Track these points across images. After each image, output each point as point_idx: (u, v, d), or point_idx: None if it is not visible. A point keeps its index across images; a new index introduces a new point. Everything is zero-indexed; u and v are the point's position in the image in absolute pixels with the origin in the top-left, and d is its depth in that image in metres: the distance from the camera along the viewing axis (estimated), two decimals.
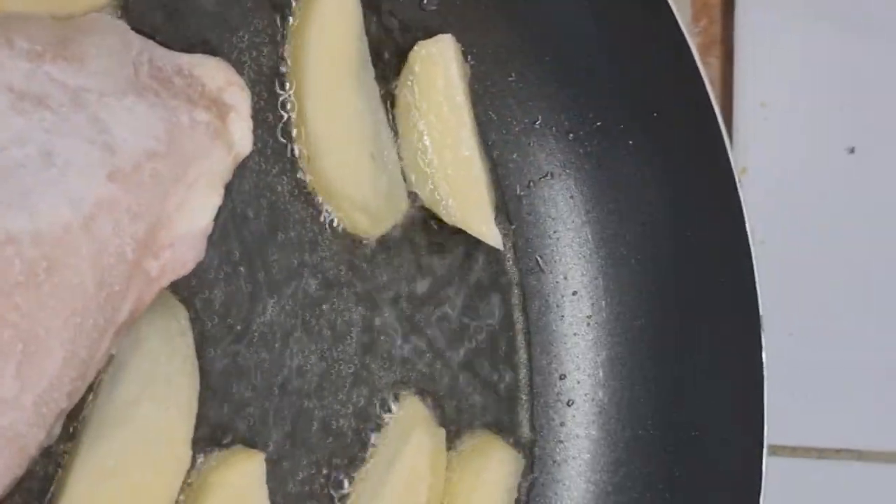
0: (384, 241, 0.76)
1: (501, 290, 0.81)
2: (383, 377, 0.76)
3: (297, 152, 0.73)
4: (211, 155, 0.64)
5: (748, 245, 0.77)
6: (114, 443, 0.64)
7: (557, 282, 0.83)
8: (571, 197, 0.82)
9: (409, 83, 0.77)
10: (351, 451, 0.74)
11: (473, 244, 0.79)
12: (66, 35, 0.61)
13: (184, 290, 0.68)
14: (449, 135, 0.77)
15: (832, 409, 0.97)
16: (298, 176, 0.73)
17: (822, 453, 0.96)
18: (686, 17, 0.99)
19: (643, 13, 0.77)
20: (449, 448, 0.77)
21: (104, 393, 0.65)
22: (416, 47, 0.77)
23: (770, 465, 0.77)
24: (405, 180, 0.77)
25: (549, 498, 0.81)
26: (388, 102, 0.77)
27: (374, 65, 0.75)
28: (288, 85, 0.73)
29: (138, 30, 0.65)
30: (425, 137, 0.77)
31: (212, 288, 0.70)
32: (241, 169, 0.69)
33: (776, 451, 0.94)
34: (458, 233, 0.78)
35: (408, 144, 0.77)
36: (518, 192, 0.82)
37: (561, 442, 0.82)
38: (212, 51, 0.69)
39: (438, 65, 0.76)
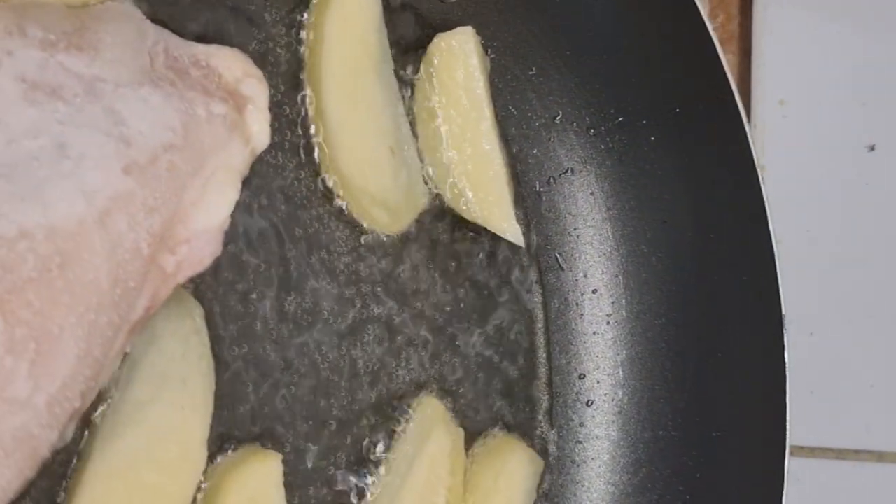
0: (403, 238, 0.75)
1: (520, 288, 0.80)
2: (402, 377, 0.75)
3: (315, 146, 0.72)
4: (228, 147, 0.63)
5: (771, 243, 0.77)
6: (128, 443, 0.63)
7: (577, 280, 0.82)
8: (592, 193, 0.81)
9: (429, 76, 0.76)
10: (369, 451, 0.73)
11: (493, 241, 0.78)
12: (81, 23, 0.59)
13: (200, 286, 0.67)
14: (469, 128, 0.76)
15: (851, 410, 0.96)
16: (316, 170, 0.72)
17: (840, 454, 0.96)
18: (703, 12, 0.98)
19: (666, 8, 0.76)
20: (468, 449, 0.76)
21: (118, 392, 0.64)
22: (435, 40, 0.76)
23: (789, 466, 0.76)
24: (424, 176, 0.76)
25: (568, 499, 0.80)
26: (408, 96, 0.76)
27: (394, 58, 0.74)
28: (306, 78, 0.71)
29: (154, 19, 0.64)
30: (445, 131, 0.76)
31: (228, 285, 0.68)
32: (258, 163, 0.68)
33: (794, 451, 0.93)
34: (478, 229, 0.77)
35: (427, 139, 0.76)
36: (538, 188, 0.81)
37: (580, 443, 0.81)
38: (228, 42, 0.68)
39: (458, 57, 0.75)
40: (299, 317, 0.71)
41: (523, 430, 0.79)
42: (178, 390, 0.65)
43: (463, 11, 0.77)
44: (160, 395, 0.64)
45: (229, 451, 0.68)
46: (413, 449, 0.73)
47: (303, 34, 0.72)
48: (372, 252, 0.74)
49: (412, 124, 0.76)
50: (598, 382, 0.82)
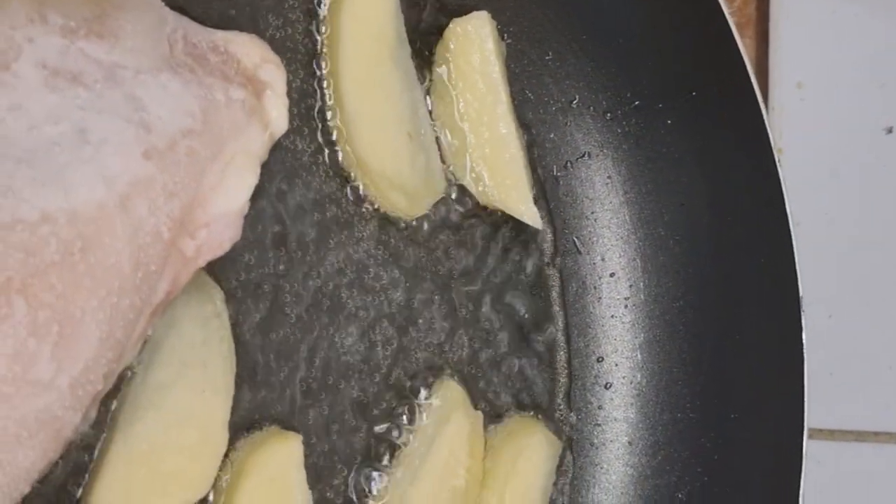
0: (421, 222, 0.76)
1: (538, 272, 0.80)
2: (421, 359, 0.75)
3: (333, 131, 0.72)
4: (247, 133, 0.64)
5: (788, 225, 0.76)
6: (149, 426, 0.64)
7: (595, 263, 0.82)
8: (609, 177, 0.81)
9: (445, 61, 0.76)
10: (389, 434, 0.74)
11: (511, 224, 0.79)
12: (101, 10, 0.60)
13: (220, 271, 0.68)
14: (485, 112, 0.76)
15: (870, 392, 0.96)
16: (334, 156, 0.72)
17: (860, 436, 0.96)
18: None
19: None
20: (487, 431, 0.77)
21: (139, 376, 0.64)
22: (451, 24, 0.76)
23: (807, 449, 0.76)
24: (442, 160, 0.76)
25: (587, 481, 0.81)
26: (425, 81, 0.76)
27: (410, 43, 0.75)
28: (324, 63, 0.72)
29: (173, 6, 0.65)
30: (462, 115, 0.76)
31: (248, 269, 0.69)
32: (277, 149, 0.68)
33: (813, 434, 0.93)
34: (496, 213, 0.78)
35: (445, 123, 0.76)
36: (555, 172, 0.81)
37: (599, 425, 0.81)
38: (247, 28, 0.68)
39: (474, 42, 0.76)
40: (318, 300, 0.71)
41: (542, 412, 0.80)
42: (198, 373, 0.65)
43: None
44: (181, 378, 0.65)
45: (250, 434, 0.68)
46: (432, 431, 0.74)
47: (320, 20, 0.72)
48: (390, 236, 0.74)
49: (429, 109, 0.76)
50: (616, 365, 0.82)
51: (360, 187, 0.73)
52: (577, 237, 0.81)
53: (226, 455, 0.67)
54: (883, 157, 0.97)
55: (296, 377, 0.70)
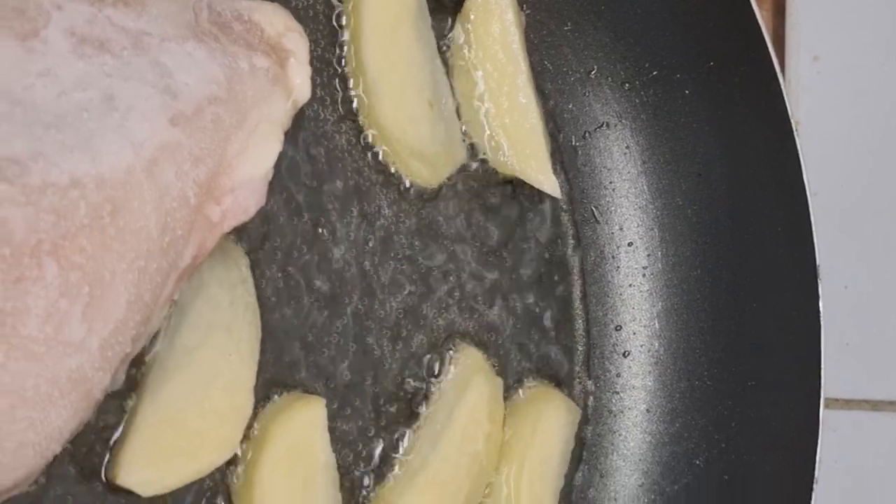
0: (442, 190, 0.76)
1: (557, 240, 0.81)
2: (441, 326, 0.76)
3: (355, 100, 0.73)
4: (271, 100, 0.64)
5: (805, 195, 0.77)
6: (176, 389, 0.65)
7: (613, 233, 0.82)
8: (627, 147, 0.82)
9: (465, 31, 0.76)
10: (410, 399, 0.74)
11: (530, 193, 0.79)
12: None
13: (245, 237, 0.68)
14: (505, 82, 0.76)
15: (887, 362, 0.96)
16: (356, 124, 0.73)
17: (876, 406, 0.96)
18: None
19: None
20: (506, 398, 0.77)
21: (166, 339, 0.65)
22: None
23: (824, 418, 0.76)
24: (462, 129, 0.77)
25: (606, 448, 0.81)
26: (445, 51, 0.76)
27: (431, 13, 0.75)
28: (346, 33, 0.72)
29: None
30: (481, 85, 0.76)
31: (272, 236, 0.70)
32: (300, 117, 0.69)
33: (830, 404, 0.93)
34: (515, 182, 0.78)
35: (464, 93, 0.77)
36: (574, 142, 0.81)
37: (617, 393, 0.82)
38: None
39: (494, 12, 0.76)
40: (341, 268, 0.72)
41: (561, 380, 0.80)
42: (224, 337, 0.66)
43: None
44: (207, 341, 0.65)
45: (275, 398, 0.69)
46: (453, 397, 0.75)
47: None
48: (411, 204, 0.75)
49: (449, 79, 0.76)
50: (634, 334, 0.82)
51: (382, 155, 0.74)
52: (595, 207, 0.82)
53: (251, 418, 0.67)
54: None
55: (319, 343, 0.71)
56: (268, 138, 0.64)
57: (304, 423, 0.69)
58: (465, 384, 0.75)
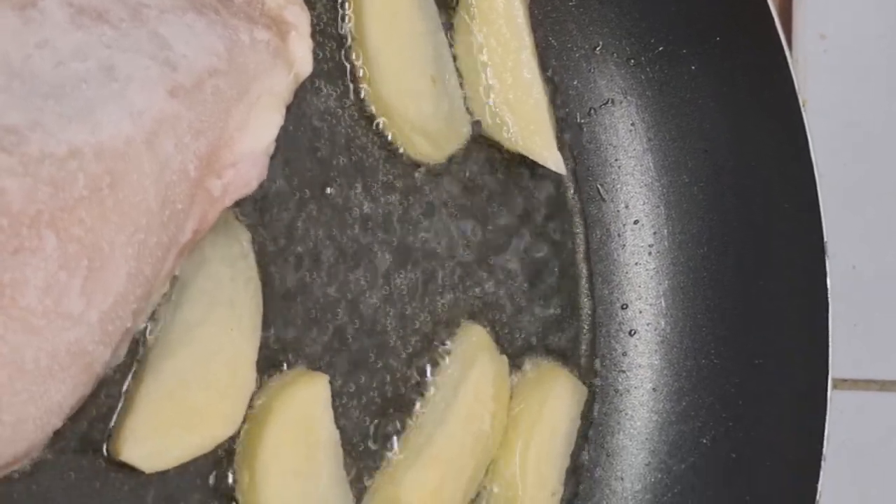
0: (445, 167, 0.76)
1: (562, 218, 0.80)
2: (446, 305, 0.75)
3: (357, 74, 0.72)
4: (272, 73, 0.64)
5: (813, 173, 0.76)
6: (178, 364, 0.64)
7: (619, 210, 0.82)
8: (633, 124, 0.81)
9: (469, 6, 0.76)
10: (415, 377, 0.74)
11: (534, 170, 0.79)
12: None
13: (246, 212, 0.68)
14: (509, 58, 0.76)
15: (894, 342, 0.96)
16: (358, 99, 0.73)
17: (884, 386, 0.96)
18: None
19: None
20: (511, 377, 0.77)
21: (168, 315, 0.65)
22: None
23: (832, 399, 0.76)
24: (466, 105, 0.76)
25: (612, 427, 0.81)
26: (449, 26, 0.76)
27: None
28: (348, 5, 0.72)
29: None
30: (485, 61, 0.76)
31: (273, 210, 0.69)
32: (302, 91, 0.68)
33: (837, 384, 0.93)
34: (519, 158, 0.78)
35: (468, 68, 0.76)
36: (579, 119, 0.81)
37: (623, 371, 0.81)
38: None
39: None
40: (343, 244, 0.72)
41: (567, 358, 0.80)
42: (226, 312, 0.66)
43: None
44: (209, 316, 0.65)
45: (278, 374, 0.69)
46: (458, 375, 0.74)
47: None
48: (414, 180, 0.74)
49: (453, 55, 0.76)
50: (640, 312, 0.82)
51: (385, 131, 0.73)
52: (600, 184, 0.81)
53: (254, 394, 0.67)
54: None
55: (322, 319, 0.71)
56: (269, 111, 0.64)
57: (308, 400, 0.68)
58: (471, 363, 0.74)
